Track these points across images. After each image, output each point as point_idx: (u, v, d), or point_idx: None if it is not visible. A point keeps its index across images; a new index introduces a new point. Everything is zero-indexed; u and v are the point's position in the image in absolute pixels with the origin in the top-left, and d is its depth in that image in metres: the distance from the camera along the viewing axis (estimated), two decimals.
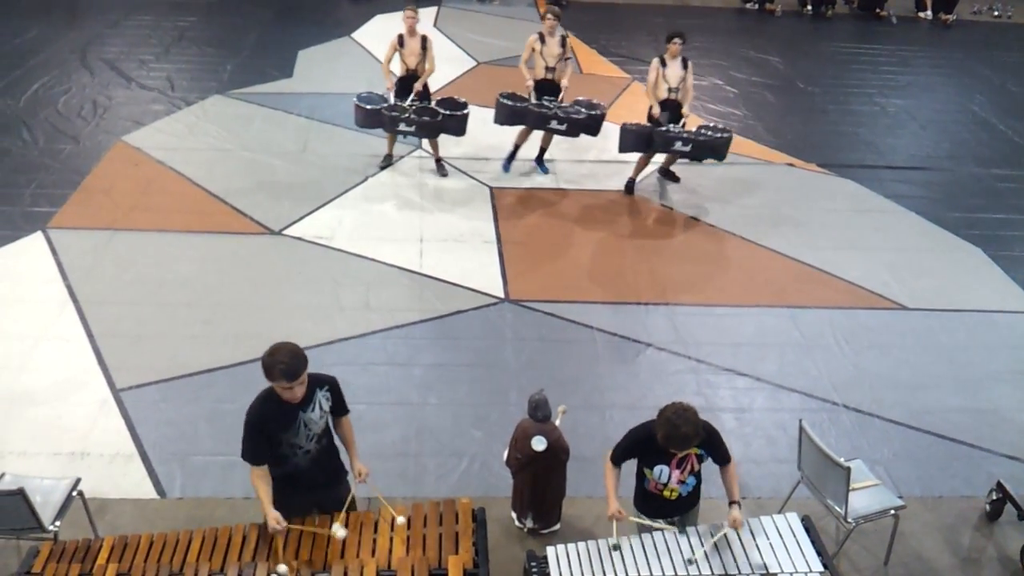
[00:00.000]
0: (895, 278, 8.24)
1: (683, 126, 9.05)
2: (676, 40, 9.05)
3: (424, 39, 9.31)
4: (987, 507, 5.72)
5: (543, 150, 9.84)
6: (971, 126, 11.99)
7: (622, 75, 13.00)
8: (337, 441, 4.56)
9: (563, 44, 9.34)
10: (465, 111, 9.13)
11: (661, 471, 4.38)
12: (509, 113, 9.24)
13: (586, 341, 7.20)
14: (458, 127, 9.18)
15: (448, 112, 9.07)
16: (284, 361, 3.98)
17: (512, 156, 9.80)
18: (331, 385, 4.36)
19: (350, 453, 4.54)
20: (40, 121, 10.48)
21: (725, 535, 4.40)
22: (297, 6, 15.46)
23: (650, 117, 9.21)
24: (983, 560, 5.46)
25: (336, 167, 9.70)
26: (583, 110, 9.19)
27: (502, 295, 7.71)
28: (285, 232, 8.46)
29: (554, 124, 9.14)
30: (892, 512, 5.14)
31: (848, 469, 4.84)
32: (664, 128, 8.91)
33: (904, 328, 7.59)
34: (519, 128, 9.48)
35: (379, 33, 14.14)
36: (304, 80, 12.12)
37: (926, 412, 6.61)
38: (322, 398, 4.30)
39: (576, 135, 9.37)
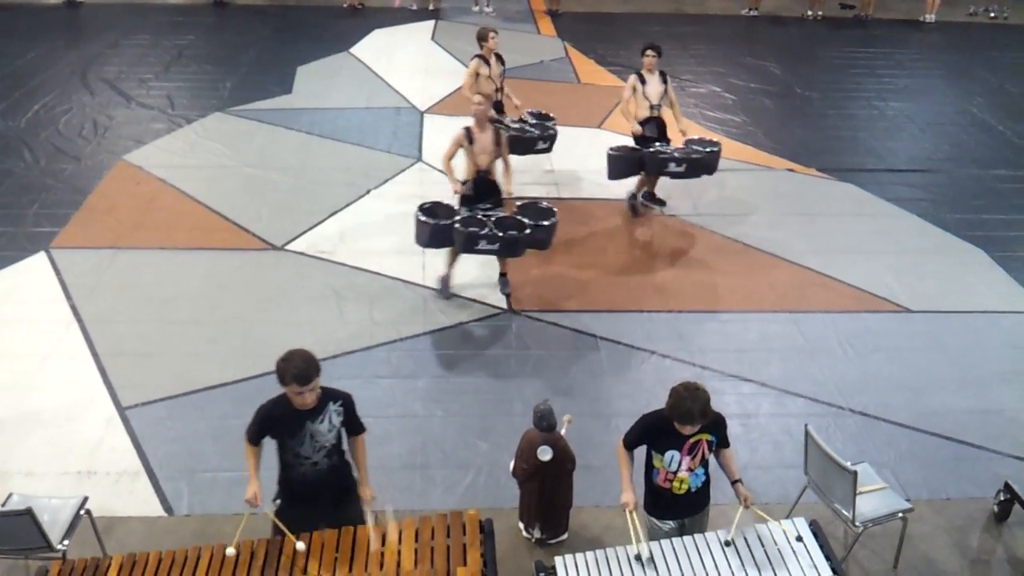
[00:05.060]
0: (898, 281, 8.24)
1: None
2: (650, 52, 8.72)
3: (497, 132, 7.62)
4: (995, 508, 5.70)
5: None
6: (970, 128, 12.01)
7: (620, 84, 12.95)
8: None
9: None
10: (554, 219, 7.53)
11: (672, 457, 4.37)
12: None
13: (590, 350, 7.21)
14: (545, 239, 7.58)
15: (535, 223, 7.40)
16: (297, 366, 4.11)
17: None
18: (345, 401, 4.41)
19: (359, 475, 4.56)
20: (41, 141, 10.52)
21: (764, 518, 4.41)
22: (295, 22, 15.53)
23: (636, 137, 8.90)
24: (993, 562, 5.44)
25: (337, 181, 9.73)
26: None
27: (505, 306, 7.72)
28: (287, 247, 8.48)
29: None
30: (900, 515, 5.14)
31: (855, 473, 4.83)
32: (653, 150, 8.60)
33: (908, 331, 7.58)
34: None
35: (377, 48, 14.23)
36: (304, 96, 12.17)
37: (932, 414, 6.60)
38: (333, 412, 4.35)
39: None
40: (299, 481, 4.40)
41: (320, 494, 4.45)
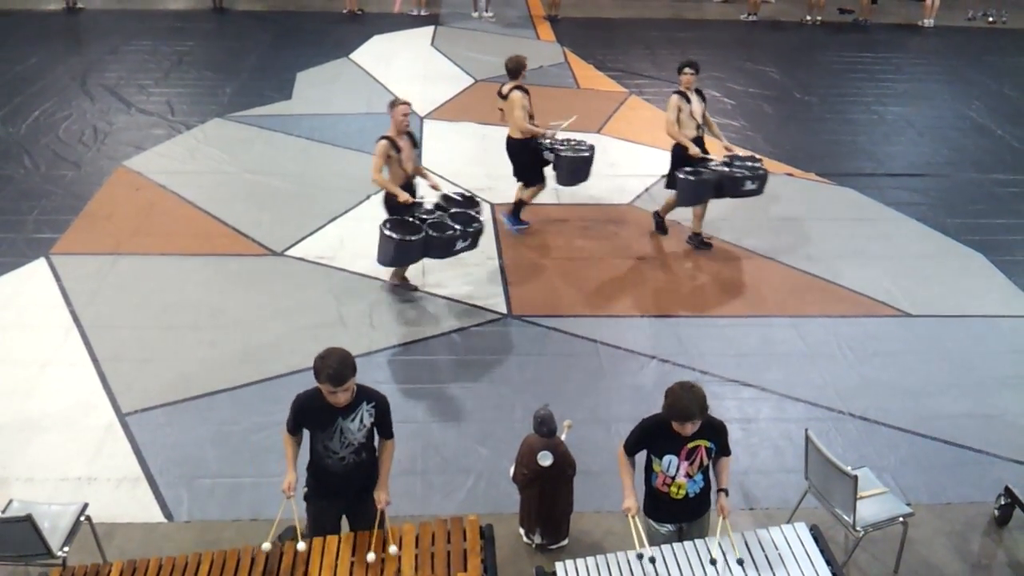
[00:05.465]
0: (897, 285, 8.25)
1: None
2: (688, 70, 8.23)
3: (412, 137, 7.66)
4: (996, 512, 5.69)
5: None
6: (969, 132, 12.03)
7: (620, 89, 13.06)
8: None
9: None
10: (479, 206, 7.80)
11: (670, 461, 4.38)
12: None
13: (590, 355, 7.21)
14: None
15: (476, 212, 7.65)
16: (332, 366, 4.16)
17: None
18: (379, 403, 4.46)
19: (379, 478, 4.56)
20: (41, 148, 10.54)
21: (728, 534, 4.38)
22: (295, 28, 15.56)
23: (686, 158, 8.28)
24: (993, 566, 5.44)
25: (336, 187, 9.73)
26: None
27: (505, 311, 7.72)
28: (287, 253, 8.49)
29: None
30: (901, 520, 5.13)
31: (855, 477, 4.83)
32: (730, 170, 8.21)
33: (908, 335, 7.58)
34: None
35: (377, 53, 14.26)
36: (303, 102, 12.19)
37: (932, 418, 6.59)
38: (366, 412, 4.39)
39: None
40: (325, 472, 4.46)
41: (344, 487, 4.52)
